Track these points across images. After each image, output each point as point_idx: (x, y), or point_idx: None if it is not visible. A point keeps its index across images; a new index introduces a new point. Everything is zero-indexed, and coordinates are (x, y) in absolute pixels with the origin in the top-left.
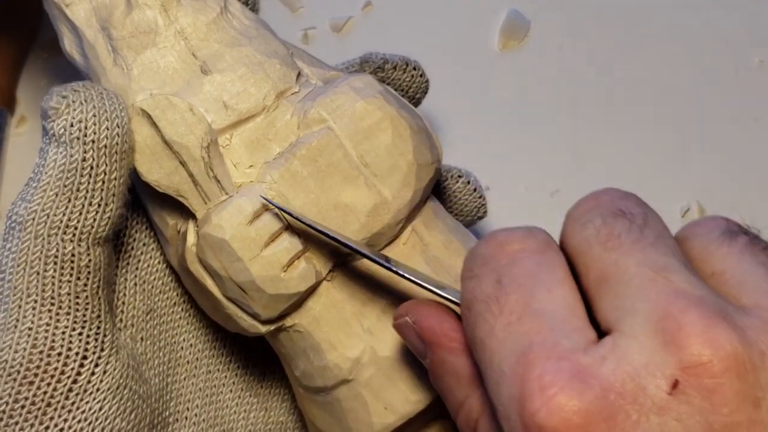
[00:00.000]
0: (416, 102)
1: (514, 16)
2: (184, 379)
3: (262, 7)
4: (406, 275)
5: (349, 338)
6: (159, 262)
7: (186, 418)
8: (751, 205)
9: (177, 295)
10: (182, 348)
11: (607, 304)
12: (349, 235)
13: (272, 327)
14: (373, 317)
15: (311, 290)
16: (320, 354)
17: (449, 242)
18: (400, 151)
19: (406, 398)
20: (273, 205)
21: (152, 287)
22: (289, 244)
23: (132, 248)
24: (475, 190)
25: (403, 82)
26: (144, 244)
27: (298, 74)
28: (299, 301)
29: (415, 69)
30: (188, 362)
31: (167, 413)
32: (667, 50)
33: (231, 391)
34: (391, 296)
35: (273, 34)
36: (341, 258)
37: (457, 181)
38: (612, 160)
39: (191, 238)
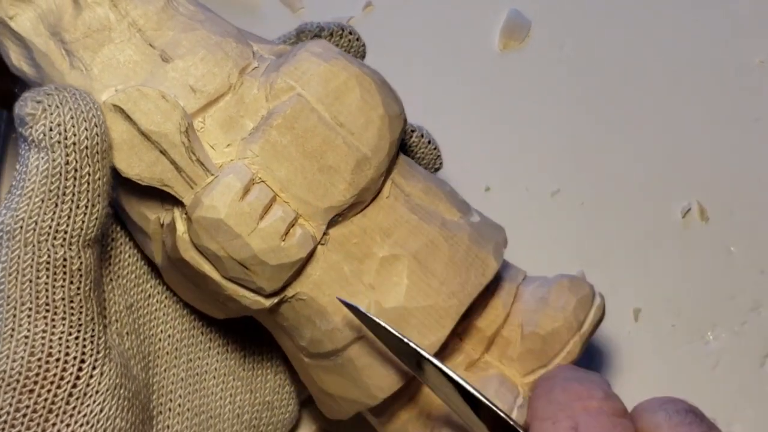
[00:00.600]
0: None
1: (515, 16)
2: (165, 370)
3: (262, 8)
4: (472, 391)
5: (352, 296)
6: (130, 257)
7: (170, 409)
8: (751, 205)
9: (151, 287)
10: (160, 340)
11: None
12: (338, 194)
13: (276, 299)
14: (372, 272)
15: (309, 256)
16: (326, 317)
17: (428, 189)
18: (371, 106)
19: (419, 341)
20: (356, 310)
21: (127, 281)
22: (283, 213)
23: (104, 245)
24: (429, 142)
25: (340, 47)
26: (113, 239)
27: (252, 51)
28: (299, 268)
29: (351, 33)
30: (167, 353)
31: (151, 406)
32: (667, 50)
33: (214, 377)
34: (386, 249)
35: (218, 16)
36: (332, 219)
37: (411, 136)
38: (612, 160)
39: (181, 227)
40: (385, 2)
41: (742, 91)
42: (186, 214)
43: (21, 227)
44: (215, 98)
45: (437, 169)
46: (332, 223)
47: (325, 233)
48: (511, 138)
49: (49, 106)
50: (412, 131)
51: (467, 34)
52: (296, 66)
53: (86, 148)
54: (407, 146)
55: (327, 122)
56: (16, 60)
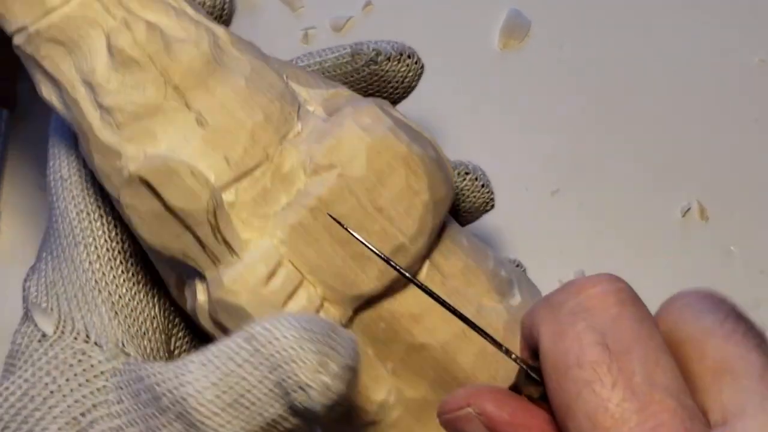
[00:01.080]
0: (412, 88)
1: (515, 16)
2: None
3: (263, 7)
4: (450, 306)
5: (373, 381)
6: None
7: None
8: (751, 204)
9: None
10: None
11: (729, 393)
12: (368, 282)
13: None
14: (397, 359)
15: None
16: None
17: (468, 268)
18: (415, 191)
19: None
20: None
21: None
22: (307, 300)
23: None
24: (483, 186)
25: (398, 74)
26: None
27: (299, 107)
28: None
29: (409, 57)
30: None
31: None
32: (667, 50)
33: None
34: (414, 336)
35: (264, 59)
36: (360, 304)
37: (464, 179)
38: (612, 160)
39: (201, 296)
40: (384, 2)
41: (742, 91)
42: (207, 287)
43: None
44: (250, 168)
45: (487, 211)
46: (360, 306)
47: (351, 317)
48: (511, 137)
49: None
50: (466, 173)
51: (467, 33)
52: (339, 140)
53: None
54: (456, 190)
55: (365, 207)
56: (47, 93)
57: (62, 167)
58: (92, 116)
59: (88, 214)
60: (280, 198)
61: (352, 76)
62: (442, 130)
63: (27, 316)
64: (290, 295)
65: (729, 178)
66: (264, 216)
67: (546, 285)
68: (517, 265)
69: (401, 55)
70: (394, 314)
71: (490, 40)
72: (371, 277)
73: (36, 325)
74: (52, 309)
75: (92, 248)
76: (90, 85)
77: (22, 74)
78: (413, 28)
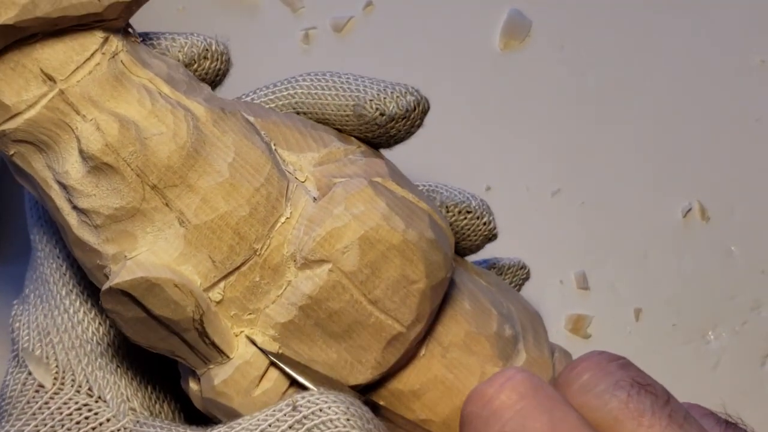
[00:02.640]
0: (418, 128)
1: (516, 16)
2: None
3: (263, 7)
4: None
5: None
6: None
7: None
8: (751, 204)
9: None
10: None
11: None
12: (364, 372)
13: None
14: None
15: None
16: None
17: (469, 337)
18: (411, 280)
19: None
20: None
21: None
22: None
23: None
24: (485, 223)
25: (403, 129)
26: None
27: (287, 185)
28: None
29: (415, 109)
30: None
31: None
32: (667, 50)
33: None
34: (415, 413)
35: (249, 131)
36: (361, 388)
37: (465, 217)
38: (613, 160)
39: (194, 386)
40: (385, 2)
41: (743, 91)
42: (198, 381)
43: None
44: (237, 266)
45: (490, 241)
46: (359, 391)
47: None
48: (511, 138)
49: None
50: (467, 212)
51: (468, 34)
52: (330, 233)
53: None
54: (455, 229)
55: (359, 302)
56: (23, 182)
57: (40, 204)
58: (69, 214)
59: (74, 260)
60: (270, 292)
61: (354, 128)
62: (442, 130)
63: (18, 361)
64: (283, 394)
65: (730, 179)
66: (254, 311)
67: (546, 285)
68: (522, 267)
69: (406, 112)
70: (393, 392)
71: (491, 41)
72: (367, 368)
73: (30, 373)
74: (47, 358)
75: (85, 296)
76: (64, 186)
77: None
78: (414, 28)
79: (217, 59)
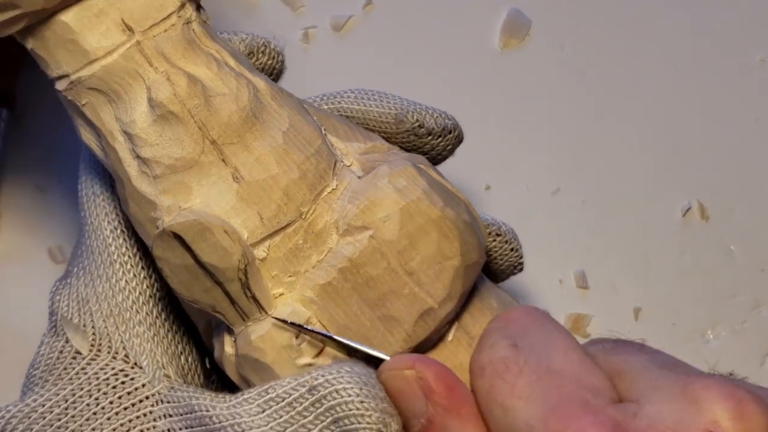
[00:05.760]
0: (447, 157)
1: (515, 15)
2: None
3: (263, 7)
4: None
5: None
6: None
7: None
8: (751, 204)
9: None
10: None
11: (624, 386)
12: (394, 344)
13: None
14: None
15: None
16: None
17: None
18: (446, 256)
19: None
20: (294, 326)
21: None
22: (334, 359)
23: None
24: (512, 249)
25: (437, 147)
26: None
27: (335, 163)
28: None
29: (450, 132)
30: None
31: None
32: (667, 50)
33: None
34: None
35: (304, 111)
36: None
37: (495, 239)
38: (612, 159)
39: (229, 349)
40: (385, 1)
41: (743, 91)
42: (234, 340)
43: None
44: (283, 226)
45: (515, 274)
46: None
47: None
48: (511, 137)
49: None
50: (498, 235)
51: (467, 33)
52: (373, 201)
53: None
54: (487, 252)
55: (395, 271)
56: (86, 138)
57: (94, 183)
58: (130, 166)
59: (122, 231)
60: (312, 257)
61: (392, 137)
62: None
63: (56, 330)
64: (317, 355)
65: (729, 178)
66: (295, 273)
67: (546, 285)
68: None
69: (443, 130)
70: None
71: (491, 40)
72: (398, 340)
73: (68, 341)
74: (85, 326)
75: (128, 266)
76: (129, 136)
77: (23, 73)
78: (414, 28)
79: (274, 57)
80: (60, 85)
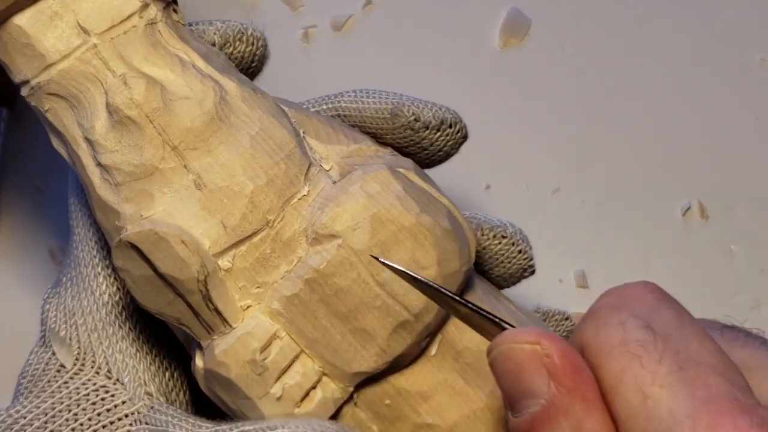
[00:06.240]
0: (451, 155)
1: (515, 15)
2: None
3: (262, 6)
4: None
5: None
6: None
7: None
8: (751, 203)
9: None
10: None
11: (754, 383)
12: (368, 360)
13: None
14: None
15: (334, 414)
16: None
17: (485, 343)
18: (422, 265)
19: None
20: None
21: None
22: (302, 377)
23: None
24: (520, 251)
25: (436, 143)
26: None
27: (309, 167)
28: None
29: (450, 127)
30: None
31: None
32: (667, 49)
33: None
34: (421, 416)
35: (278, 114)
36: (362, 380)
37: (500, 242)
38: (612, 159)
39: (199, 362)
40: (385, 1)
41: (742, 90)
42: (203, 355)
43: None
44: (249, 235)
45: (526, 277)
46: (362, 383)
47: (354, 392)
48: (511, 136)
49: None
50: (503, 237)
51: (467, 32)
52: (344, 209)
53: None
54: (489, 253)
55: (366, 281)
56: (56, 145)
57: (80, 192)
58: (93, 173)
59: (106, 243)
60: (280, 266)
61: (389, 134)
62: None
63: (44, 341)
64: (284, 370)
65: (729, 177)
66: (263, 284)
67: (546, 285)
68: (566, 318)
69: (441, 123)
70: (400, 391)
71: (490, 39)
72: (372, 354)
73: (54, 353)
74: (71, 339)
75: (112, 280)
76: (90, 142)
77: None
78: (413, 27)
79: (252, 43)
80: (23, 91)
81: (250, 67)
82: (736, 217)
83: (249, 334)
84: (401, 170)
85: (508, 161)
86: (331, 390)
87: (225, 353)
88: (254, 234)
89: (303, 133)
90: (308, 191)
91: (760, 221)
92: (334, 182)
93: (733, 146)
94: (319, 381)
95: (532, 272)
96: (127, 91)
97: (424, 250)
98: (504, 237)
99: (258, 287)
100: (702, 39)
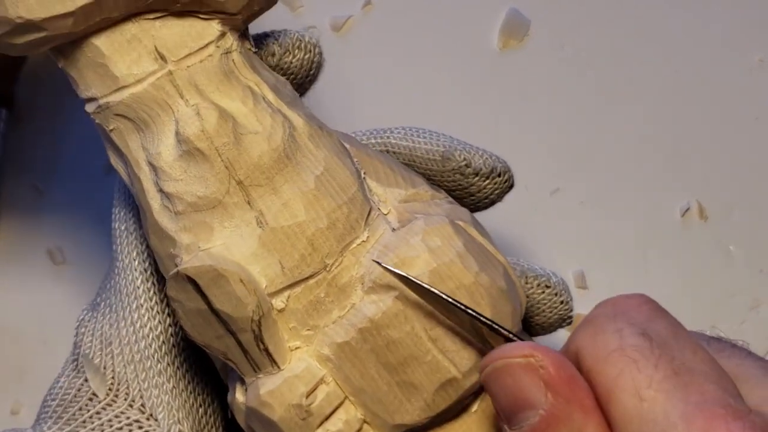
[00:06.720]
0: (496, 202)
1: (514, 15)
2: None
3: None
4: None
5: None
6: None
7: None
8: (750, 204)
9: None
10: None
11: (743, 392)
12: (411, 413)
13: None
14: None
15: None
16: None
17: None
18: (476, 325)
19: None
20: (392, 271)
21: None
22: (345, 424)
23: None
24: (563, 302)
25: (484, 190)
26: None
27: (369, 211)
28: None
29: (500, 176)
30: None
31: None
32: (667, 49)
33: None
34: None
35: (342, 153)
36: (406, 430)
37: (543, 291)
38: (612, 159)
39: (240, 396)
40: (384, 1)
41: (742, 90)
42: (245, 389)
43: None
44: (305, 277)
45: (563, 327)
46: None
47: None
48: (510, 136)
49: None
50: (547, 286)
51: (466, 33)
52: (403, 260)
53: None
54: (531, 300)
55: (419, 336)
56: (114, 163)
57: (128, 218)
58: (153, 198)
59: (152, 274)
60: (333, 311)
61: (438, 176)
62: (441, 129)
63: (77, 365)
64: (328, 416)
65: (728, 178)
66: (313, 327)
67: None
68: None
69: (491, 172)
70: None
71: (490, 40)
72: (416, 408)
73: (86, 380)
74: (105, 368)
75: (154, 312)
76: (154, 168)
77: (22, 74)
78: (413, 28)
79: (310, 51)
80: (89, 108)
81: (308, 74)
82: (735, 217)
83: (297, 378)
84: (460, 223)
85: (508, 161)
86: None
87: (271, 394)
88: (311, 277)
89: (364, 174)
90: (367, 237)
91: (759, 222)
92: (393, 229)
93: (733, 146)
94: (360, 430)
95: (570, 323)
96: (199, 122)
97: (480, 310)
98: (548, 287)
99: (308, 330)
100: (702, 39)
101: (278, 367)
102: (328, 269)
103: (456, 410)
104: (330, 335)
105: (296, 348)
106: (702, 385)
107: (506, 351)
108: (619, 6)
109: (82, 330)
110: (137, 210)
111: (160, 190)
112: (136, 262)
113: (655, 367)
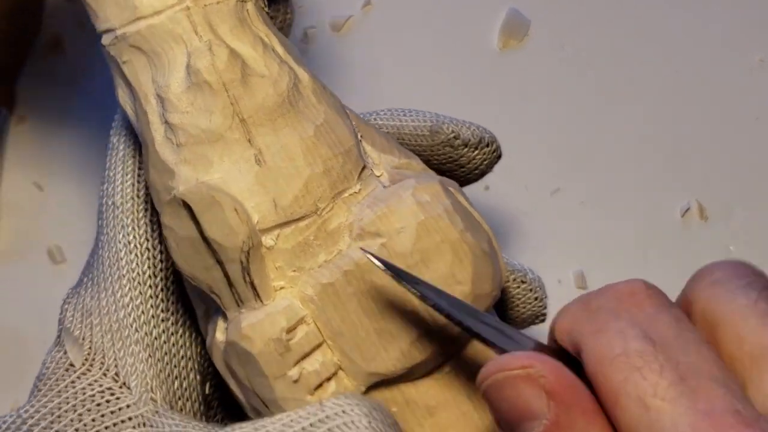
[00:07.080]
0: (486, 173)
1: (514, 15)
2: None
3: None
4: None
5: None
6: None
7: None
8: (750, 204)
9: None
10: None
11: None
12: (387, 362)
13: None
14: None
15: None
16: None
17: None
18: (457, 280)
19: None
20: (377, 261)
21: None
22: (321, 365)
23: None
24: (537, 299)
25: (473, 160)
26: None
27: (363, 168)
28: None
29: (488, 146)
30: None
31: None
32: (667, 49)
33: None
34: (426, 428)
35: (342, 113)
36: (375, 381)
37: (519, 286)
38: (612, 159)
39: (219, 335)
40: (384, 1)
41: (742, 90)
42: (226, 326)
43: None
44: (297, 218)
45: (535, 324)
46: (374, 385)
47: (363, 393)
48: (510, 137)
49: None
50: (522, 282)
51: (466, 33)
52: (392, 211)
53: None
54: (507, 294)
55: (401, 284)
56: (122, 99)
57: (115, 192)
58: (156, 130)
59: (136, 246)
60: (320, 255)
61: (427, 151)
62: None
63: (59, 340)
64: (305, 355)
65: (728, 178)
66: (299, 269)
67: (546, 285)
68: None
69: (480, 142)
70: (408, 401)
71: (490, 40)
72: (391, 357)
73: (66, 352)
74: (83, 338)
75: (135, 283)
76: (161, 100)
77: (22, 73)
78: (413, 28)
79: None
80: (105, 40)
81: (281, 29)
82: (735, 217)
83: (278, 313)
84: (451, 189)
85: (508, 162)
86: (344, 386)
87: (252, 327)
88: (302, 218)
89: (360, 137)
90: (359, 189)
91: (759, 222)
92: (385, 186)
93: (733, 147)
94: (334, 374)
95: (543, 320)
96: (210, 56)
97: (462, 266)
98: (523, 282)
99: (294, 271)
100: (702, 39)
101: (261, 302)
102: (319, 213)
103: (429, 367)
104: (315, 276)
105: (281, 288)
106: (709, 390)
107: (504, 363)
108: (619, 6)
109: (66, 306)
110: (125, 180)
111: (165, 122)
112: (121, 235)
113: (659, 373)
